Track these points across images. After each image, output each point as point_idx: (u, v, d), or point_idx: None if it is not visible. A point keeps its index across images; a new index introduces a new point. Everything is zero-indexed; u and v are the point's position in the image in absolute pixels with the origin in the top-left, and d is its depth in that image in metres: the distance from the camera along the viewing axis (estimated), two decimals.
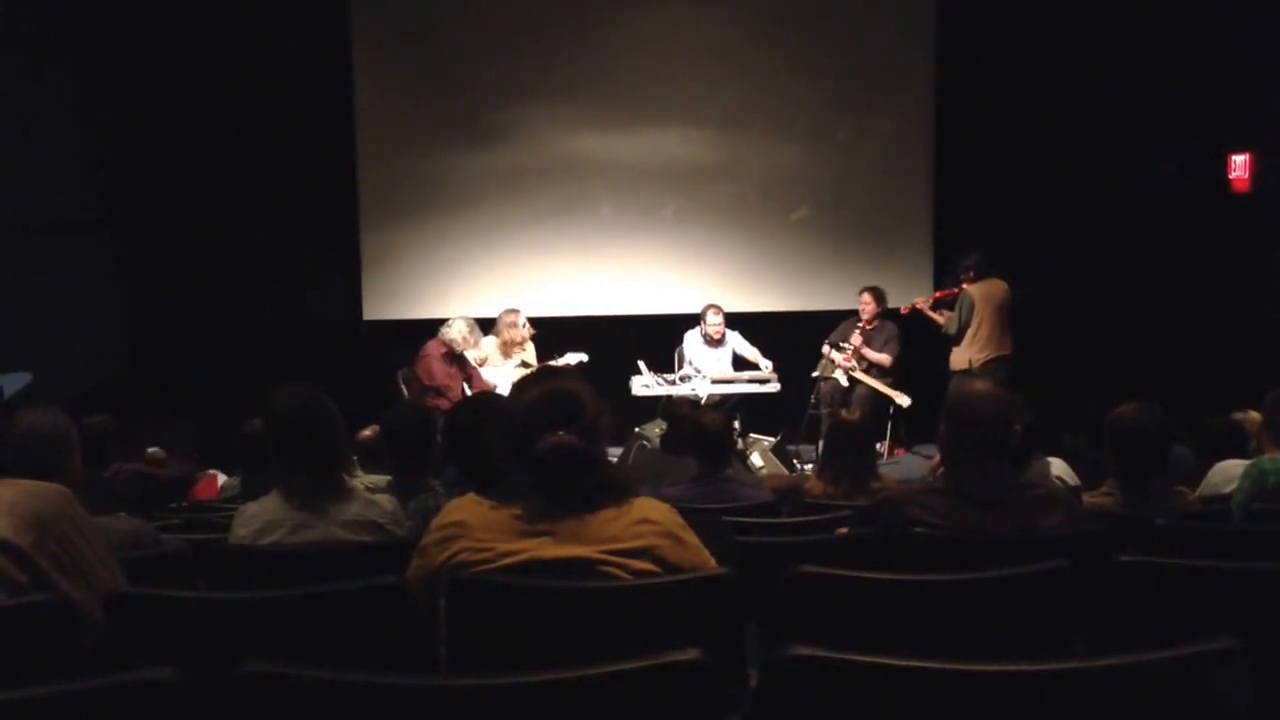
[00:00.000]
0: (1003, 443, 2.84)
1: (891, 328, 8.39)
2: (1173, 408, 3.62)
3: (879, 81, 9.13)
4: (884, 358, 8.30)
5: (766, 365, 8.15)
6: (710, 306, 8.32)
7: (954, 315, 7.92)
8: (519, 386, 2.27)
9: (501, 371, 7.73)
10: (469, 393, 7.47)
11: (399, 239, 9.23)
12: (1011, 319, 7.90)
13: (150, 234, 8.52)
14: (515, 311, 7.92)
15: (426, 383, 7.57)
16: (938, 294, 8.39)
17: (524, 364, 7.81)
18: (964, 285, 7.98)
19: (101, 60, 8.09)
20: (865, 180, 9.26)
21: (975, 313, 7.82)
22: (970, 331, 7.85)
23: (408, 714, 1.47)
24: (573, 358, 7.64)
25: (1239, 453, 4.35)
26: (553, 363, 7.15)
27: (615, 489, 2.15)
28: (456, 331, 7.65)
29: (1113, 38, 8.34)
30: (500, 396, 3.84)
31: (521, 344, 7.87)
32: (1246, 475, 3.64)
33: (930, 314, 8.23)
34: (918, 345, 8.29)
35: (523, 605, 2.00)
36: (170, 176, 8.54)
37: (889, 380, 8.26)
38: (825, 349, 8.44)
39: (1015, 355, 7.87)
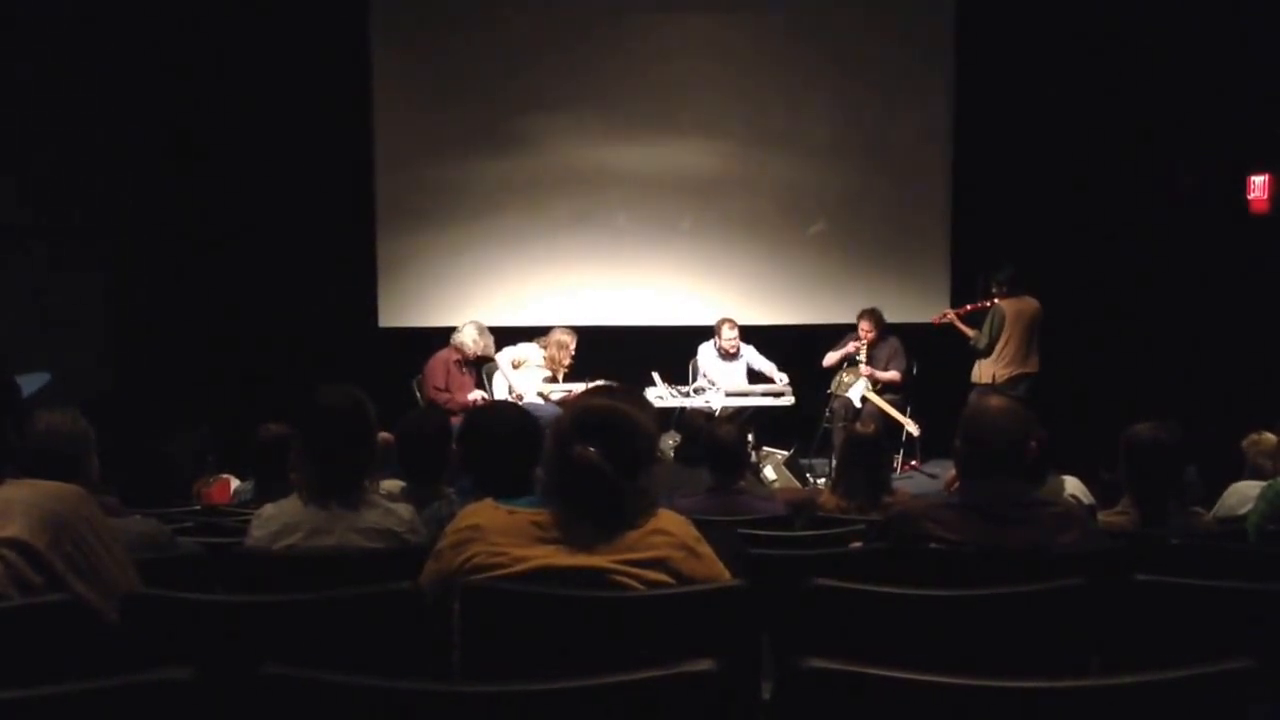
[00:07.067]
0: (1017, 458, 2.83)
1: (893, 343, 8.34)
2: (1189, 427, 3.61)
3: (897, 96, 9.12)
4: (892, 375, 8.26)
5: (781, 379, 8.13)
6: (725, 320, 8.31)
7: (983, 330, 7.88)
8: (589, 393, 2.29)
9: (530, 379, 7.75)
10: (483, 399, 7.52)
11: (415, 247, 9.25)
12: (1040, 337, 7.87)
13: (168, 238, 8.54)
14: (574, 335, 7.92)
15: (432, 385, 7.61)
16: (970, 306, 8.30)
17: (551, 379, 7.82)
18: (996, 299, 7.94)
19: (119, 63, 8.10)
20: (882, 195, 9.24)
21: (1005, 328, 7.80)
22: (998, 347, 7.81)
23: (420, 719, 1.47)
24: None
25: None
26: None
27: (633, 517, 2.12)
28: (467, 336, 7.68)
29: (1132, 57, 8.30)
30: (515, 406, 3.85)
31: (561, 367, 7.88)
32: (1262, 496, 3.63)
33: (961, 326, 8.17)
34: (934, 362, 8.27)
35: (536, 613, 2.00)
36: (189, 180, 8.56)
37: (901, 397, 8.24)
38: (829, 361, 8.40)
39: (1040, 373, 7.83)
